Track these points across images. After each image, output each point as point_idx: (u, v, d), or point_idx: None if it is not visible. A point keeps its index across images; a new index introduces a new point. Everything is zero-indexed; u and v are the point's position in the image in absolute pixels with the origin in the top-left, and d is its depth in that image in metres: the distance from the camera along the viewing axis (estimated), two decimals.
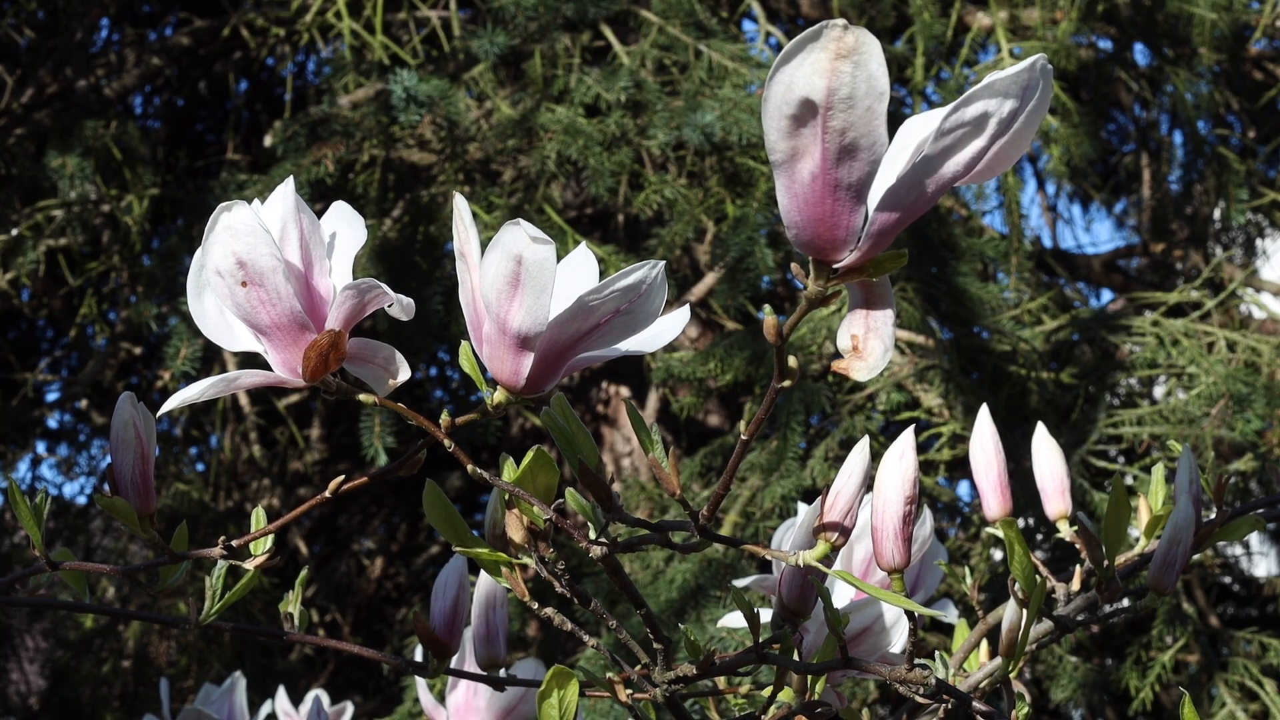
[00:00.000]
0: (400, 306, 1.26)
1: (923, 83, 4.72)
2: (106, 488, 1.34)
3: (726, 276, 4.23)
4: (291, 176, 1.35)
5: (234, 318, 1.27)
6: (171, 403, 1.25)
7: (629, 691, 1.35)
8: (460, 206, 1.20)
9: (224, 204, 1.21)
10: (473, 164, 4.60)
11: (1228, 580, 5.61)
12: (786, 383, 1.12)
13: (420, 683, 1.92)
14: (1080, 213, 10.99)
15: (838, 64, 0.97)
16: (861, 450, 1.22)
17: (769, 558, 1.26)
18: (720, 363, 4.15)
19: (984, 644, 1.60)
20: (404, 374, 1.33)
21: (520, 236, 1.14)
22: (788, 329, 1.09)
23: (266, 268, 1.21)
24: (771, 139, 1.01)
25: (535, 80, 4.56)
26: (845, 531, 1.22)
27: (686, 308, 1.33)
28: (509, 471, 1.27)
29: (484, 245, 1.18)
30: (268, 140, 4.80)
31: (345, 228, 1.33)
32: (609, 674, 1.36)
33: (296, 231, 1.27)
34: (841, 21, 0.97)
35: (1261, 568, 6.24)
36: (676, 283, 4.51)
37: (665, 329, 1.27)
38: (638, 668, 1.34)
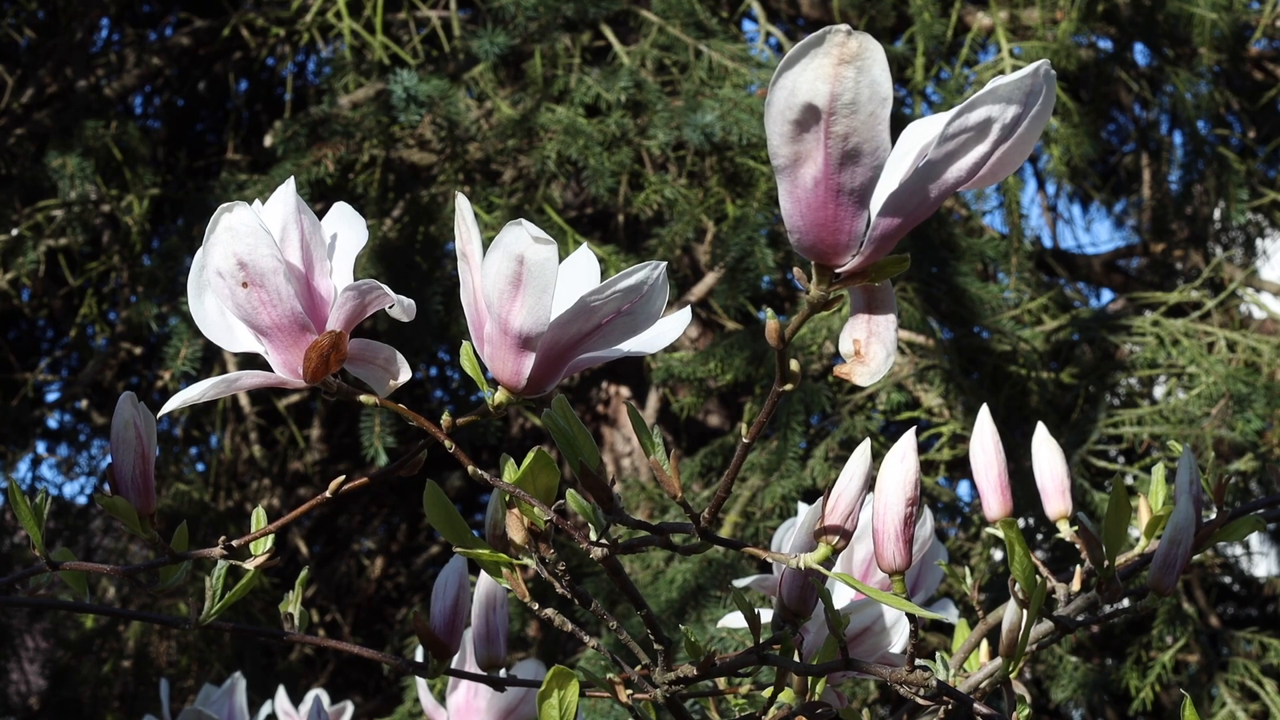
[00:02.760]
0: (401, 308, 1.26)
1: (923, 83, 4.71)
2: (107, 487, 1.34)
3: (726, 276, 4.23)
4: (292, 177, 1.35)
5: (235, 318, 1.27)
6: (172, 403, 1.25)
7: (629, 692, 1.35)
8: (463, 206, 1.20)
9: (225, 205, 1.21)
10: (473, 164, 4.60)
11: (1228, 580, 5.60)
12: (788, 386, 1.12)
13: (420, 683, 1.92)
14: (1080, 213, 10.98)
15: (841, 69, 0.97)
16: (863, 454, 1.22)
17: (770, 560, 1.26)
18: (720, 363, 4.15)
19: (984, 644, 1.60)
20: (404, 375, 1.33)
21: (522, 236, 1.14)
22: (790, 333, 1.09)
23: (267, 269, 1.21)
24: (774, 144, 1.01)
25: (535, 80, 4.55)
26: (846, 535, 1.21)
27: (688, 309, 1.33)
28: (509, 472, 1.27)
29: (485, 246, 1.18)
30: (268, 140, 4.79)
31: (346, 228, 1.32)
32: (609, 674, 1.36)
33: (297, 232, 1.27)
34: (845, 27, 0.97)
35: (1261, 568, 6.24)
36: (676, 283, 4.51)
37: (666, 330, 1.27)
38: (638, 668, 1.34)
